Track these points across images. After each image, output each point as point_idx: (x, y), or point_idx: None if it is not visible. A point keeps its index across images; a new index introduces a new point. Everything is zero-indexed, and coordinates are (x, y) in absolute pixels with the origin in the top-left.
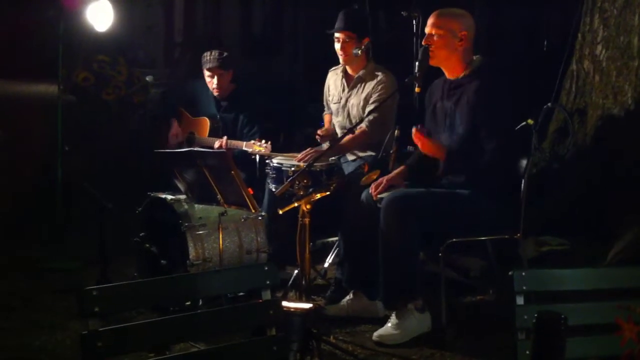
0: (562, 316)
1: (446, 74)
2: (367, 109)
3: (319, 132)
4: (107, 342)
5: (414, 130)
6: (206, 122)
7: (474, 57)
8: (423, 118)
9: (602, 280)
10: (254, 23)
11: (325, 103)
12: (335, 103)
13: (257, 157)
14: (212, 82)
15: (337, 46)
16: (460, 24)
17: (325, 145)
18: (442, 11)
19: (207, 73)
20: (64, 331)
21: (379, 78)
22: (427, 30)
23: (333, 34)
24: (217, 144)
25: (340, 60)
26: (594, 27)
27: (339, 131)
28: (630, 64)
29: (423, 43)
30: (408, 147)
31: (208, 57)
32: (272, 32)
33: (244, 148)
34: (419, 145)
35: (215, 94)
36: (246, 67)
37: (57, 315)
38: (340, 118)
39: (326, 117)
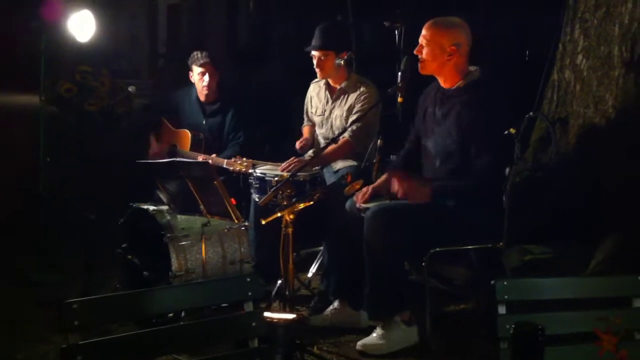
0: (540, 327)
1: (440, 82)
2: (350, 119)
3: (298, 143)
4: (88, 356)
5: (393, 180)
6: (187, 135)
7: (471, 68)
8: (406, 128)
9: (583, 290)
10: (239, 33)
11: (305, 115)
12: (318, 115)
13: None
14: (202, 80)
15: (314, 62)
16: (451, 38)
17: (309, 155)
18: (435, 22)
19: (197, 70)
20: (46, 344)
21: (361, 89)
22: (420, 38)
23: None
24: (200, 159)
25: (318, 76)
26: (575, 37)
27: (322, 143)
28: (611, 73)
29: (415, 52)
30: (391, 156)
31: (198, 55)
32: (257, 42)
33: (225, 166)
34: (402, 190)
35: (205, 92)
36: (231, 77)
37: (40, 328)
38: (323, 130)
39: (305, 129)
